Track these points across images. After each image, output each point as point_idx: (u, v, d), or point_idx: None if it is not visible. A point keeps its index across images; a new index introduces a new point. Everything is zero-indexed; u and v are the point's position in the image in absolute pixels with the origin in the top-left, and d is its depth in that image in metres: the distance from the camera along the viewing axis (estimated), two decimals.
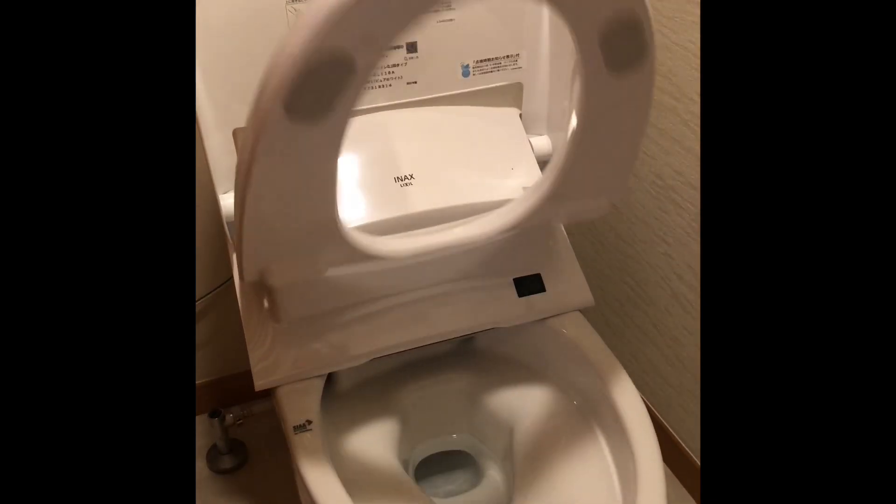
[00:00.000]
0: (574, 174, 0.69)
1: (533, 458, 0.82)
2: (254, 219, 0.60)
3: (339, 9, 0.47)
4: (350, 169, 0.80)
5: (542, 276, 0.90)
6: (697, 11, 0.87)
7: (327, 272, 0.71)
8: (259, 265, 0.66)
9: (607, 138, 0.67)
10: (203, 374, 1.25)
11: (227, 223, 0.78)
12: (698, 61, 0.89)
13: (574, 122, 0.65)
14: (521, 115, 0.89)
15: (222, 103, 0.75)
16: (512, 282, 0.89)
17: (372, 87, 0.79)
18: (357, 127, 0.79)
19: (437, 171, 0.83)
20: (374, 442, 0.84)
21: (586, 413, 0.84)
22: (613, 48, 0.57)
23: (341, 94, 0.52)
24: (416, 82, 0.80)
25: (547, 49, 0.85)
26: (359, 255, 0.68)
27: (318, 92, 0.51)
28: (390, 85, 0.80)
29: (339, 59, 0.50)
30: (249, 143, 0.54)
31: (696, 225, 0.97)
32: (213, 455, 1.20)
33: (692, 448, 1.12)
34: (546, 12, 0.84)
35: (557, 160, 0.69)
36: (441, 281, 0.87)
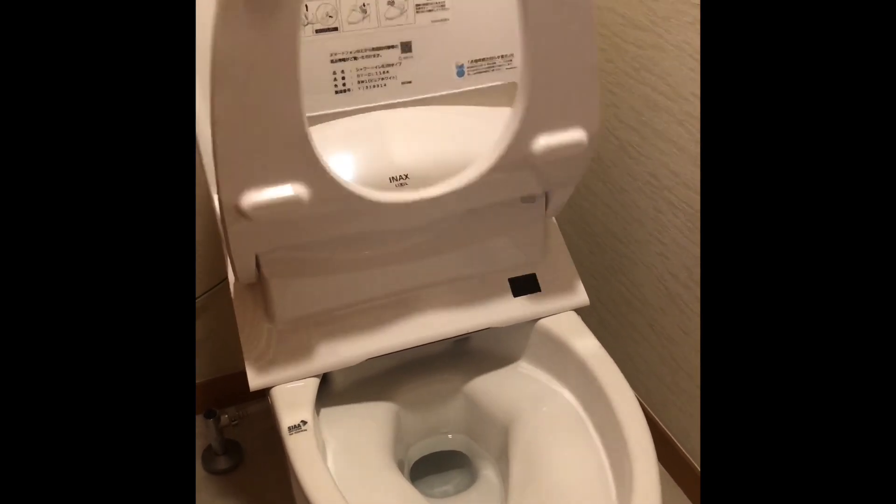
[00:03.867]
0: (537, 100, 0.70)
1: (528, 458, 0.82)
2: (223, 122, 0.60)
3: None
4: (345, 168, 0.80)
5: (538, 276, 0.90)
6: (692, 12, 0.87)
7: (313, 220, 0.70)
8: (237, 189, 0.64)
9: (557, 60, 0.68)
10: (198, 375, 1.25)
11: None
12: (693, 61, 0.89)
13: (523, 49, 0.67)
14: None
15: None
16: (507, 282, 0.89)
17: (367, 87, 0.79)
18: (352, 126, 0.79)
19: (432, 171, 0.82)
20: (369, 442, 0.84)
21: (581, 413, 0.84)
22: None
23: None
24: (410, 82, 0.80)
25: None
26: (334, 188, 0.68)
27: None
28: (385, 85, 0.80)
29: None
30: (214, 39, 0.55)
31: (692, 225, 0.98)
32: (208, 456, 1.20)
33: (687, 448, 1.12)
34: None
35: (520, 91, 0.70)
36: (438, 281, 0.87)
